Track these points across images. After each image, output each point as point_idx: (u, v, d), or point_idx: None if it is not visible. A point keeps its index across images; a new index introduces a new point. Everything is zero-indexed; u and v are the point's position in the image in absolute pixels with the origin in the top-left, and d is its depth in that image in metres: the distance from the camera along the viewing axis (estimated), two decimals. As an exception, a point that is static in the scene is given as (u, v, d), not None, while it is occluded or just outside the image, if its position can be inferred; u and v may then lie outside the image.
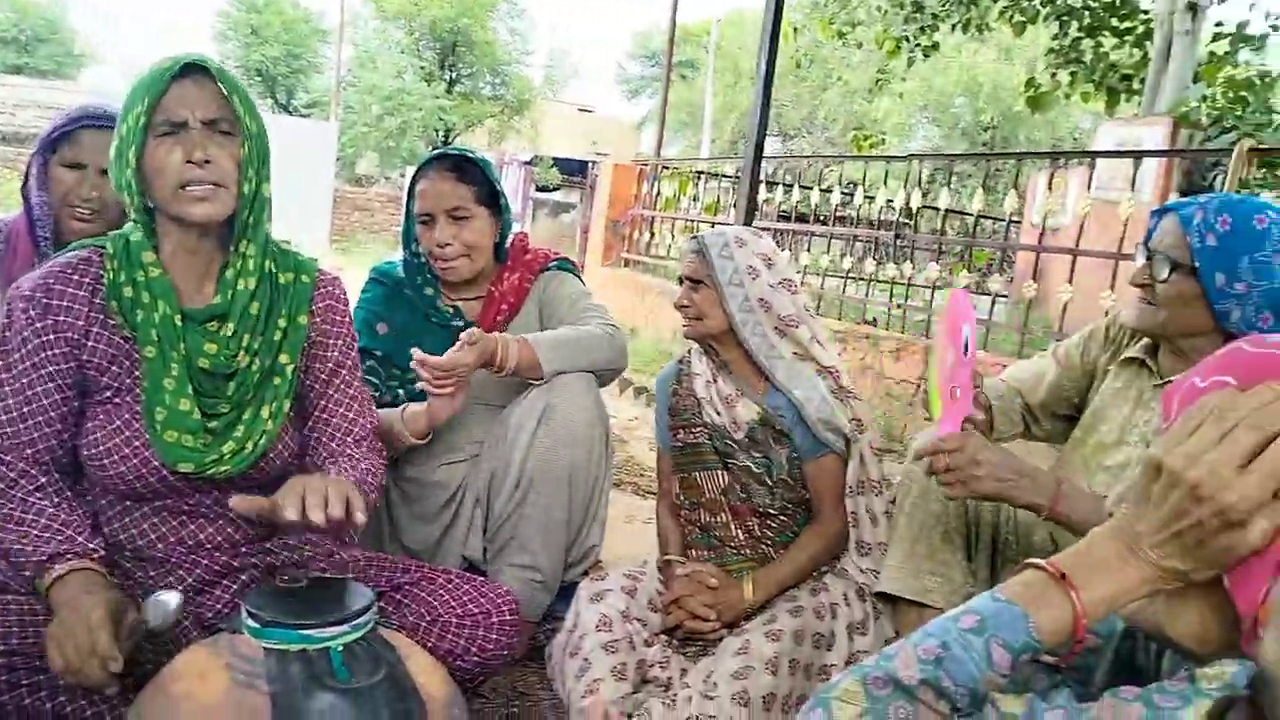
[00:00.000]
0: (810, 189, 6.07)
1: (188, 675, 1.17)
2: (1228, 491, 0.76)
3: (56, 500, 1.41)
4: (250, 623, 1.20)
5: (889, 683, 0.85)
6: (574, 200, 21.63)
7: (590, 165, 9.79)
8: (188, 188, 1.38)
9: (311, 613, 1.21)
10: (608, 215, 8.17)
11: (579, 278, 2.28)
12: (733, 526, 1.95)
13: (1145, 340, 1.74)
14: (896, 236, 5.22)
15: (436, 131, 23.26)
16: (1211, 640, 0.84)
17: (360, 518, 1.30)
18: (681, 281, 1.99)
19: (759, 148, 4.17)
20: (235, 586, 1.54)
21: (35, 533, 1.35)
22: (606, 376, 2.07)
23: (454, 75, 24.82)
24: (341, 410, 1.61)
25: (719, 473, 1.96)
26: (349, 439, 1.61)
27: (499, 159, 21.21)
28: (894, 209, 5.13)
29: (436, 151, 2.14)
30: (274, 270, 1.53)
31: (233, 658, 1.18)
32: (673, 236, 7.44)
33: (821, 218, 6.41)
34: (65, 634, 1.22)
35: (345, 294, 1.65)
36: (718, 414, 1.97)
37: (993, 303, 4.63)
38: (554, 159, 24.52)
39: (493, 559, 2.01)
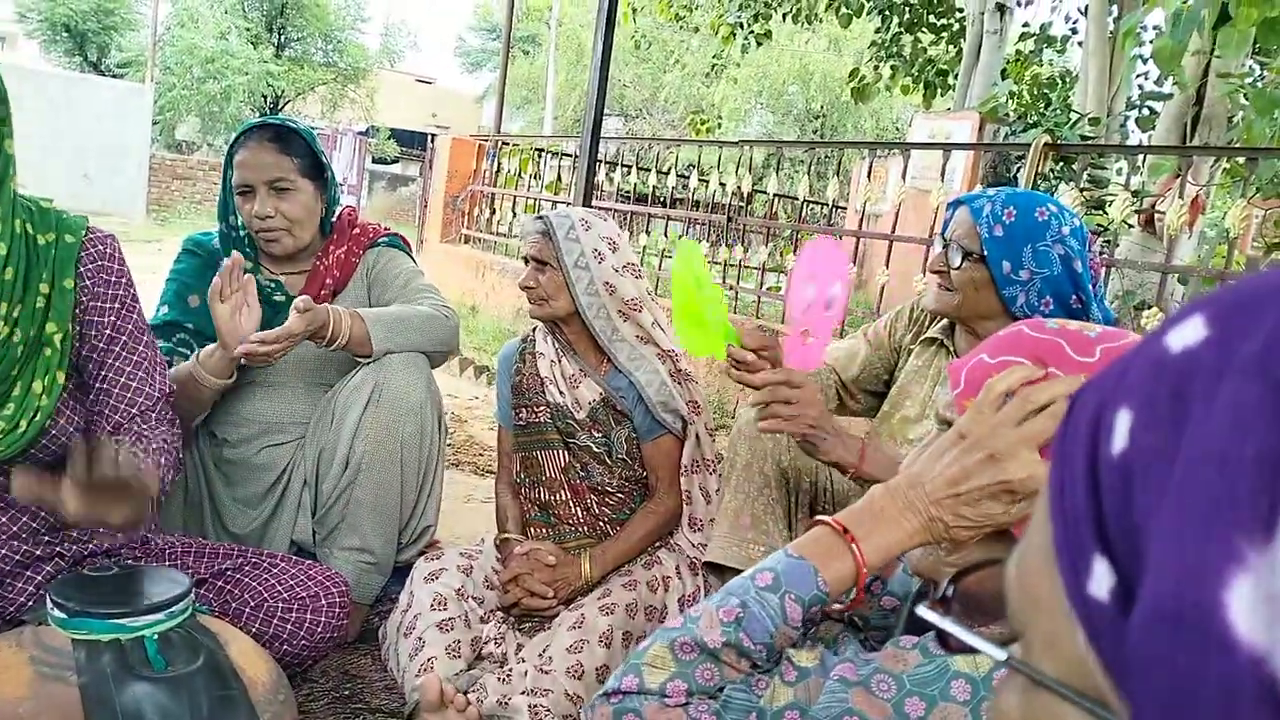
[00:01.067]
0: (649, 171, 6.16)
1: (-14, 672, 1.10)
2: (1015, 463, 0.85)
3: None
4: (56, 613, 1.14)
5: (695, 647, 0.91)
6: (413, 174, 21.08)
7: (430, 138, 9.54)
8: None
9: (123, 601, 1.17)
10: (446, 190, 8.01)
11: (410, 255, 2.24)
12: (571, 504, 1.99)
13: (944, 321, 1.88)
14: (729, 220, 5.37)
15: (264, 97, 22.10)
16: None
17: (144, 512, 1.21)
18: (527, 261, 1.99)
19: (596, 126, 4.19)
20: (39, 578, 1.46)
21: None
22: (437, 358, 2.04)
23: (283, 39, 23.62)
24: (124, 379, 1.49)
25: (560, 451, 1.99)
26: (134, 409, 1.50)
27: (332, 129, 20.39)
28: (728, 193, 5.27)
29: (255, 121, 2.04)
30: (30, 231, 1.41)
31: (37, 650, 1.13)
32: (514, 214, 7.39)
33: (661, 199, 6.51)
34: None
35: (119, 252, 1.52)
36: (561, 394, 1.99)
37: (819, 285, 4.83)
38: (391, 130, 23.77)
39: (322, 541, 1.97)
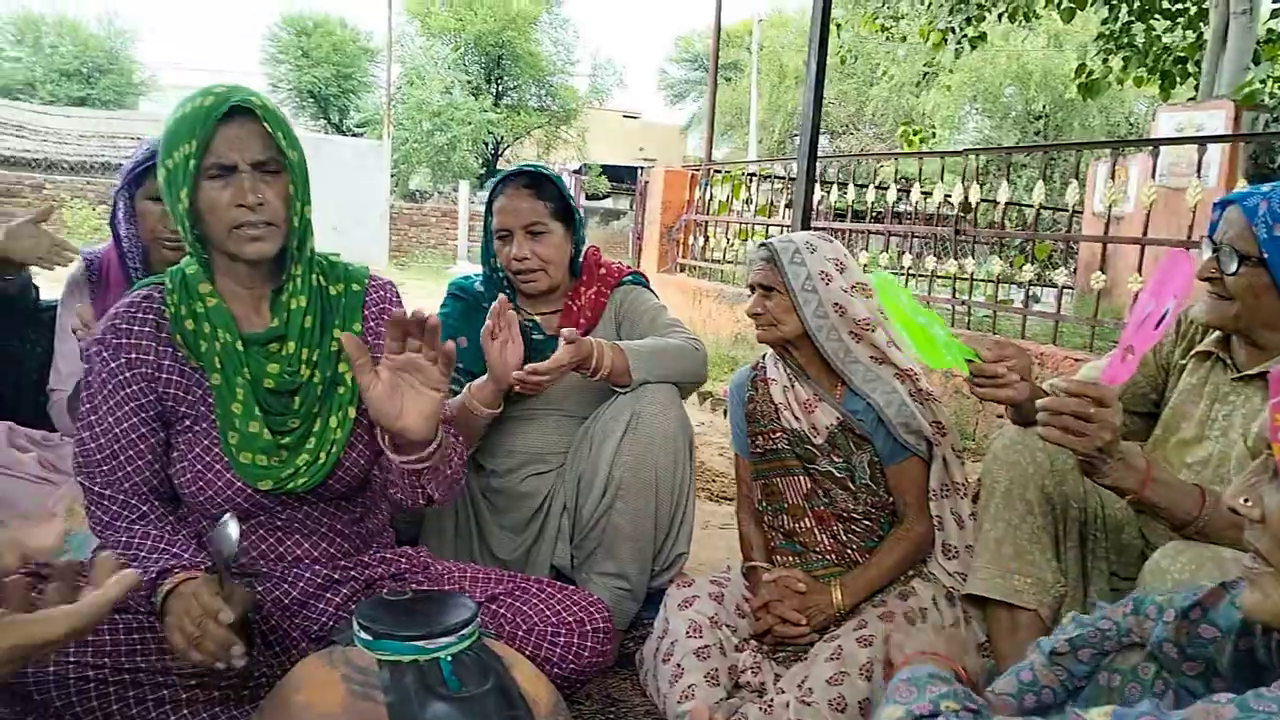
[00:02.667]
0: (865, 187, 6.04)
1: (307, 686, 1.21)
2: None
3: (160, 525, 1.47)
4: (363, 635, 1.23)
5: None
6: (623, 207, 21.72)
7: (639, 171, 9.81)
8: (241, 229, 1.42)
9: (419, 624, 1.25)
10: (661, 221, 8.19)
11: (652, 292, 2.32)
12: (817, 532, 1.96)
13: (1217, 334, 1.71)
14: (956, 232, 5.16)
15: (485, 144, 23.53)
16: None
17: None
18: (752, 289, 2.00)
19: (813, 146, 4.15)
20: (337, 599, 1.59)
21: (143, 554, 1.40)
22: (687, 388, 2.10)
23: (500, 88, 25.11)
24: None
25: (800, 478, 1.97)
26: None
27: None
28: (952, 204, 5.07)
29: (512, 169, 2.18)
30: (323, 284, 1.56)
31: (348, 669, 1.22)
32: (727, 240, 7.44)
33: (877, 215, 6.36)
34: (178, 616, 1.29)
35: (398, 296, 1.65)
36: (796, 419, 1.97)
37: (1059, 295, 4.56)
38: (602, 167, 24.64)
39: (580, 567, 2.04)
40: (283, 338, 1.51)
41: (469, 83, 23.72)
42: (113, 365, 1.45)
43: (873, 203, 5.90)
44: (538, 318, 2.21)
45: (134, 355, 1.46)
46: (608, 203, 24.94)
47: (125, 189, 2.14)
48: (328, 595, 1.59)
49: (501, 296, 1.93)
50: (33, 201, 14.46)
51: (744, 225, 7.24)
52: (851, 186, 6.14)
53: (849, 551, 1.94)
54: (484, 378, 1.95)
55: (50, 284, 2.41)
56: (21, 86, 23.82)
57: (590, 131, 27.39)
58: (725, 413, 4.72)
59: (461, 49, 24.12)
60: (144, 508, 1.47)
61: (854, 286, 1.94)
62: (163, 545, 1.42)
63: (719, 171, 7.82)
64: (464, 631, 1.25)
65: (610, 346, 1.98)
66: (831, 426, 1.94)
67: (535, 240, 2.12)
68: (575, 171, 20.81)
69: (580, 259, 2.25)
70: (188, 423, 1.49)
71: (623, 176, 23.37)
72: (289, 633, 1.54)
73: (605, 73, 31.15)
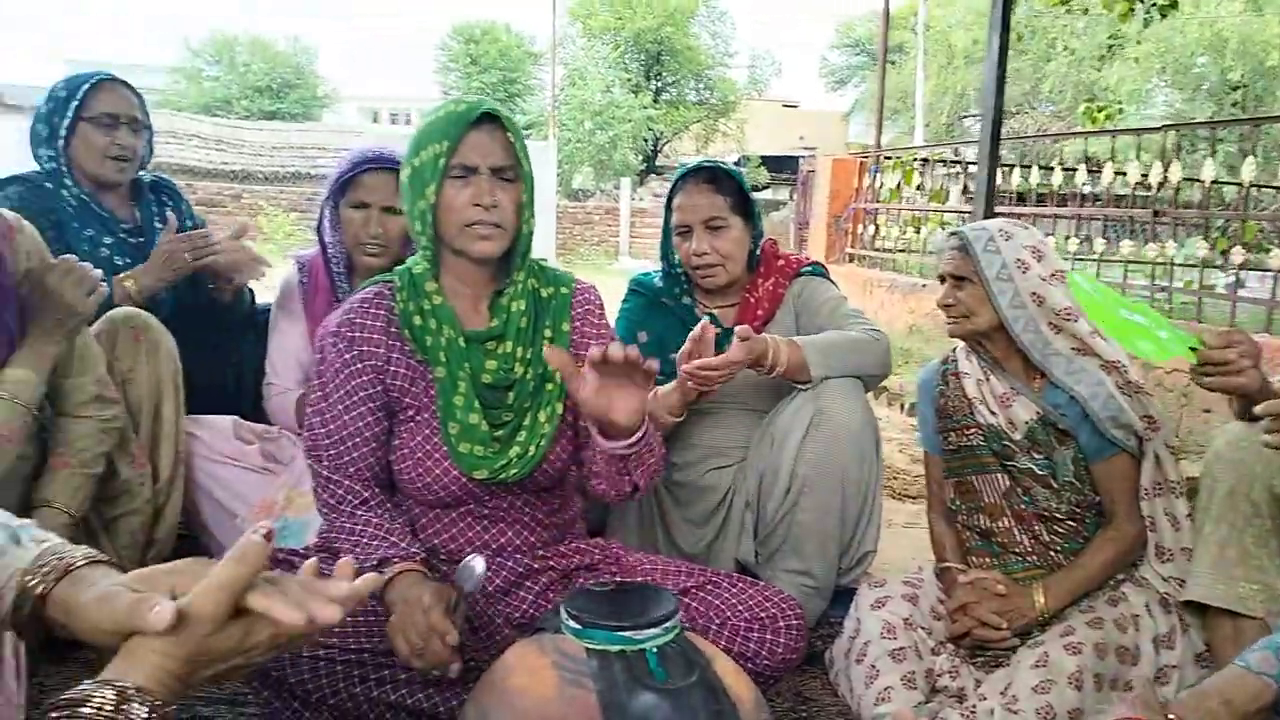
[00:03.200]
0: (1049, 169, 5.71)
1: (519, 671, 1.25)
2: None
3: (380, 512, 1.56)
4: (571, 624, 1.27)
5: None
6: (782, 198, 21.46)
7: (799, 161, 9.67)
8: (474, 226, 1.51)
9: (625, 615, 1.27)
10: (829, 210, 8.04)
11: (832, 282, 2.27)
12: (1016, 532, 1.88)
13: None
14: (1155, 214, 4.82)
15: (645, 141, 23.76)
16: None
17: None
18: (943, 280, 1.93)
19: (996, 127, 3.97)
20: (536, 588, 1.64)
21: (365, 541, 1.50)
22: (871, 382, 2.05)
23: (659, 84, 25.30)
24: None
25: (998, 476, 1.89)
26: None
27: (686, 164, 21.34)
28: (1149, 184, 4.74)
29: (691, 164, 2.20)
30: (536, 287, 1.66)
31: (558, 656, 1.26)
32: (899, 229, 7.23)
33: (1061, 198, 6.02)
34: (405, 623, 1.36)
35: (600, 300, 1.74)
36: (992, 414, 1.90)
37: (1275, 281, 4.18)
38: (761, 158, 24.42)
39: (765, 563, 2.03)
40: (500, 336, 1.59)
41: (629, 80, 24.00)
42: (346, 357, 1.56)
43: (1057, 185, 5.57)
44: (715, 311, 2.22)
45: (365, 348, 1.56)
46: (766, 194, 24.72)
47: (330, 198, 2.28)
48: (528, 584, 1.64)
49: (706, 324, 1.94)
50: (233, 210, 15.63)
51: (917, 213, 7.01)
52: (1035, 169, 5.83)
53: (1052, 553, 1.85)
54: (671, 385, 1.97)
55: (264, 290, 2.59)
56: (219, 103, 25.80)
57: (749, 122, 27.17)
58: (903, 407, 4.59)
59: (621, 47, 24.44)
60: (366, 494, 1.56)
61: (1053, 275, 1.84)
62: (383, 533, 1.51)
63: (889, 158, 7.60)
64: (668, 624, 1.27)
65: (786, 343, 1.96)
66: (1031, 421, 1.85)
67: (714, 235, 2.13)
68: (734, 164, 20.73)
69: (758, 252, 2.24)
70: (410, 413, 1.58)
71: (782, 166, 23.09)
72: (493, 619, 1.60)
73: (763, 63, 30.87)
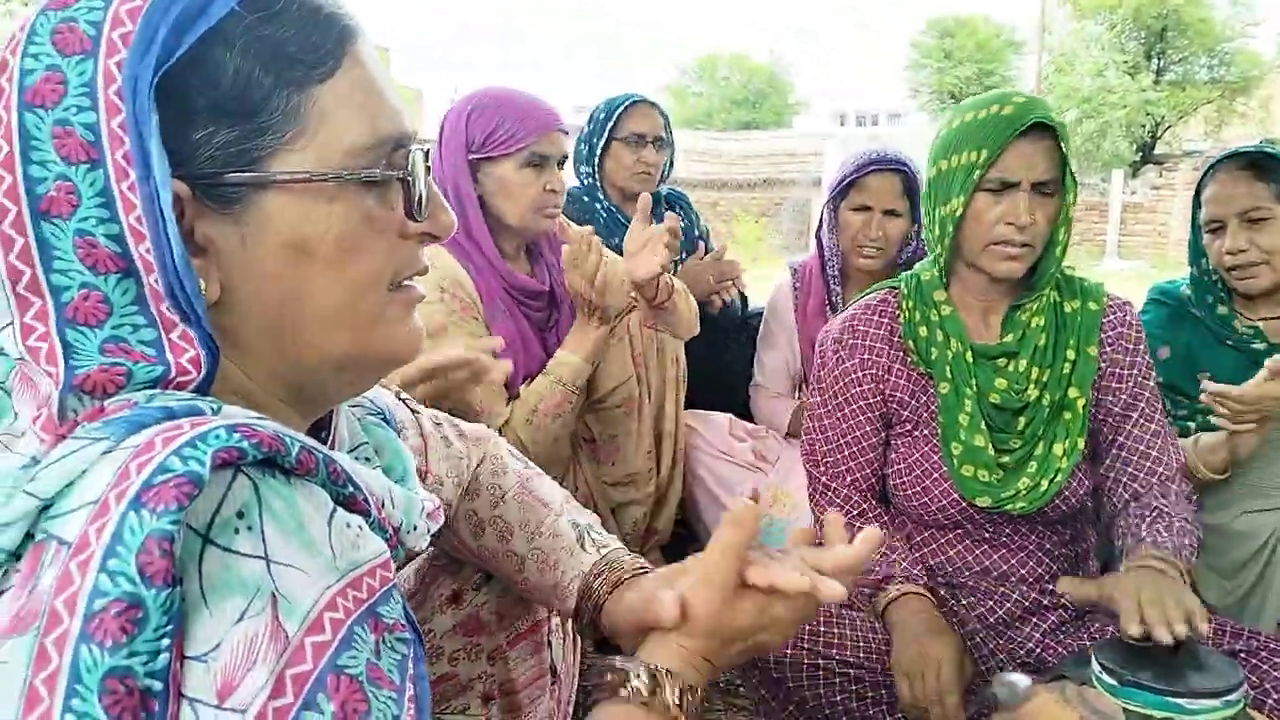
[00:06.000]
0: None
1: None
2: None
3: (879, 525, 1.52)
4: (1106, 678, 1.13)
5: None
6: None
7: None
8: (999, 245, 1.39)
9: (1172, 677, 1.10)
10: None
11: None
12: None
13: None
14: None
15: (1143, 127, 21.27)
16: None
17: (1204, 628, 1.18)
18: None
19: None
20: (1045, 625, 1.51)
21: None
22: None
23: (1162, 63, 22.47)
24: (1142, 447, 1.49)
25: None
26: (1154, 479, 1.48)
27: (1221, 148, 18.58)
28: None
29: (1228, 150, 1.89)
30: (1059, 300, 1.49)
31: (1085, 710, 1.13)
32: None
33: None
34: (916, 672, 1.29)
35: (1138, 319, 1.53)
36: None
37: None
38: (1293, 141, 20.63)
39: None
40: (1014, 354, 1.47)
41: (1125, 62, 21.62)
42: (847, 364, 1.54)
43: None
44: (1260, 323, 1.87)
45: (866, 356, 1.53)
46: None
47: (831, 200, 2.29)
48: (1034, 619, 1.51)
49: (1261, 377, 1.61)
50: (709, 218, 16.77)
51: None
52: None
53: None
54: (1217, 438, 1.70)
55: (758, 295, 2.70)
56: (702, 117, 27.91)
57: (1277, 100, 23.06)
58: None
59: (1118, 26, 22.09)
60: (864, 504, 1.54)
61: None
62: (883, 549, 1.47)
63: None
64: (1231, 697, 1.08)
65: None
66: None
67: (1255, 229, 1.80)
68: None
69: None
70: (909, 427, 1.53)
71: (1324, 150, 19.24)
72: (994, 653, 1.49)
73: (1301, 29, 25.97)
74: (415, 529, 0.71)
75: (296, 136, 0.60)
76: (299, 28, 0.61)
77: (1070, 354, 1.47)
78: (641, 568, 0.96)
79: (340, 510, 0.57)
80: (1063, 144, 1.39)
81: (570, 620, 1.06)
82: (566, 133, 1.89)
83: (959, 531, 1.52)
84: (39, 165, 0.55)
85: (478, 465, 1.06)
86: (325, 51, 0.62)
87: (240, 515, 0.51)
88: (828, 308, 2.35)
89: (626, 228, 2.51)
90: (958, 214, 1.41)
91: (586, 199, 2.52)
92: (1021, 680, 1.23)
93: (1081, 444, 1.46)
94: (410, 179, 0.66)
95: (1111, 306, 1.51)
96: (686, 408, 2.26)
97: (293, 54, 0.60)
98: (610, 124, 2.47)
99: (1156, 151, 22.11)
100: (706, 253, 2.57)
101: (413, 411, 1.01)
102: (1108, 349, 1.49)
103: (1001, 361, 1.48)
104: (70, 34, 0.56)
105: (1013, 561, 1.52)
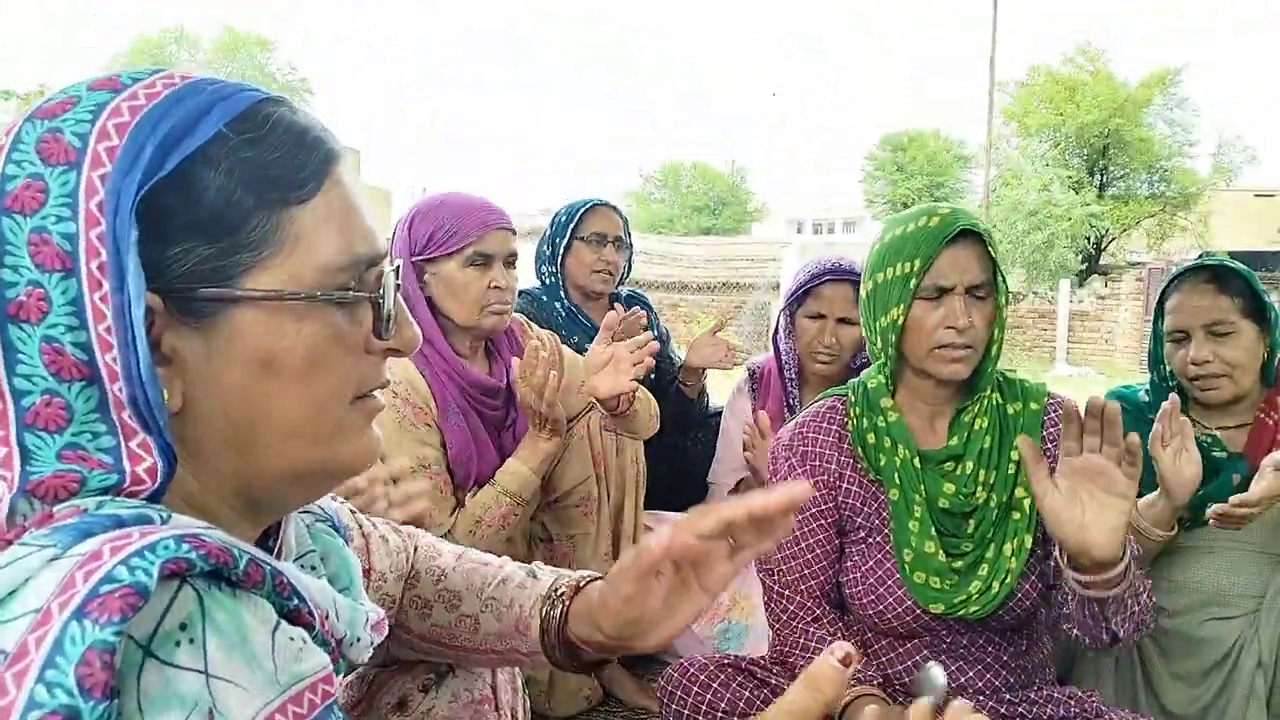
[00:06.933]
0: None
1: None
2: None
3: (832, 631, 1.50)
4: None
5: None
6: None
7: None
8: (944, 349, 1.42)
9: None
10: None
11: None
12: None
13: None
14: None
15: (1088, 239, 22.07)
16: None
17: None
18: None
19: None
20: (1002, 738, 1.48)
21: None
22: None
23: (1105, 179, 23.49)
24: None
25: None
26: None
27: (1164, 262, 19.28)
28: None
29: (1190, 263, 1.95)
30: (1001, 402, 1.51)
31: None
32: None
33: None
34: None
35: None
36: None
37: None
38: (1229, 254, 21.49)
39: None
40: (960, 457, 1.48)
41: (1069, 178, 22.57)
42: (799, 471, 1.54)
43: None
44: (1218, 432, 1.90)
45: (818, 463, 1.53)
46: (1240, 295, 21.58)
47: (787, 307, 2.33)
48: (995, 731, 1.48)
49: (1173, 396, 1.70)
50: (670, 319, 16.98)
51: None
52: None
53: None
54: (1155, 494, 1.71)
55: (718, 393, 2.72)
56: (664, 223, 28.55)
57: (1215, 215, 24.12)
58: None
59: (1061, 144, 23.15)
60: (818, 611, 1.52)
61: None
62: (855, 666, 1.44)
63: None
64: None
65: None
66: None
67: (1219, 342, 1.84)
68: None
69: (1275, 364, 1.90)
70: (862, 534, 1.52)
71: (1259, 263, 20.05)
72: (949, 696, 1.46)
73: (1232, 150, 27.36)
74: (359, 640, 0.69)
75: (272, 255, 0.60)
76: (283, 150, 0.61)
77: (1015, 455, 1.47)
78: (597, 576, 0.95)
79: (284, 623, 0.56)
80: (990, 249, 1.43)
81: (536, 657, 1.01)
82: (514, 232, 1.92)
83: (916, 641, 1.50)
84: (11, 270, 0.55)
85: (414, 553, 1.05)
86: (307, 174, 0.62)
87: (183, 628, 0.50)
88: (785, 410, 2.37)
89: (585, 327, 2.53)
90: (898, 323, 1.43)
91: (546, 298, 2.55)
92: (938, 673, 1.19)
93: (1029, 542, 1.45)
94: (380, 300, 0.66)
95: (1052, 404, 1.52)
96: (646, 507, 2.24)
97: (275, 176, 0.60)
98: (572, 224, 2.51)
99: (1101, 262, 22.91)
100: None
101: (352, 511, 1.00)
102: (1050, 445, 1.49)
103: (948, 466, 1.48)
104: (55, 144, 0.56)
105: (970, 674, 1.50)
